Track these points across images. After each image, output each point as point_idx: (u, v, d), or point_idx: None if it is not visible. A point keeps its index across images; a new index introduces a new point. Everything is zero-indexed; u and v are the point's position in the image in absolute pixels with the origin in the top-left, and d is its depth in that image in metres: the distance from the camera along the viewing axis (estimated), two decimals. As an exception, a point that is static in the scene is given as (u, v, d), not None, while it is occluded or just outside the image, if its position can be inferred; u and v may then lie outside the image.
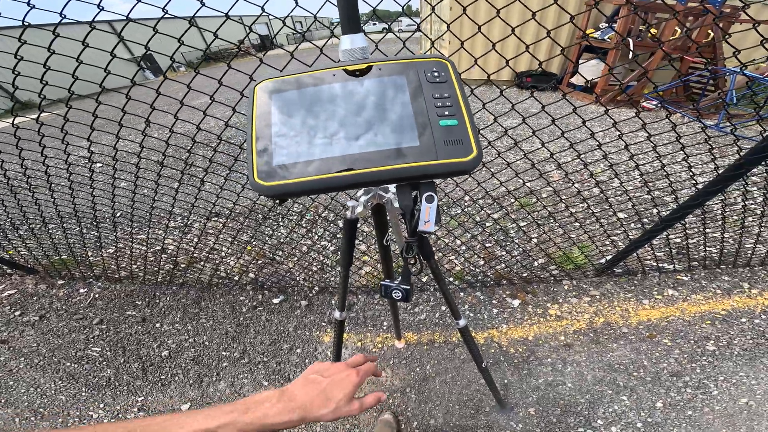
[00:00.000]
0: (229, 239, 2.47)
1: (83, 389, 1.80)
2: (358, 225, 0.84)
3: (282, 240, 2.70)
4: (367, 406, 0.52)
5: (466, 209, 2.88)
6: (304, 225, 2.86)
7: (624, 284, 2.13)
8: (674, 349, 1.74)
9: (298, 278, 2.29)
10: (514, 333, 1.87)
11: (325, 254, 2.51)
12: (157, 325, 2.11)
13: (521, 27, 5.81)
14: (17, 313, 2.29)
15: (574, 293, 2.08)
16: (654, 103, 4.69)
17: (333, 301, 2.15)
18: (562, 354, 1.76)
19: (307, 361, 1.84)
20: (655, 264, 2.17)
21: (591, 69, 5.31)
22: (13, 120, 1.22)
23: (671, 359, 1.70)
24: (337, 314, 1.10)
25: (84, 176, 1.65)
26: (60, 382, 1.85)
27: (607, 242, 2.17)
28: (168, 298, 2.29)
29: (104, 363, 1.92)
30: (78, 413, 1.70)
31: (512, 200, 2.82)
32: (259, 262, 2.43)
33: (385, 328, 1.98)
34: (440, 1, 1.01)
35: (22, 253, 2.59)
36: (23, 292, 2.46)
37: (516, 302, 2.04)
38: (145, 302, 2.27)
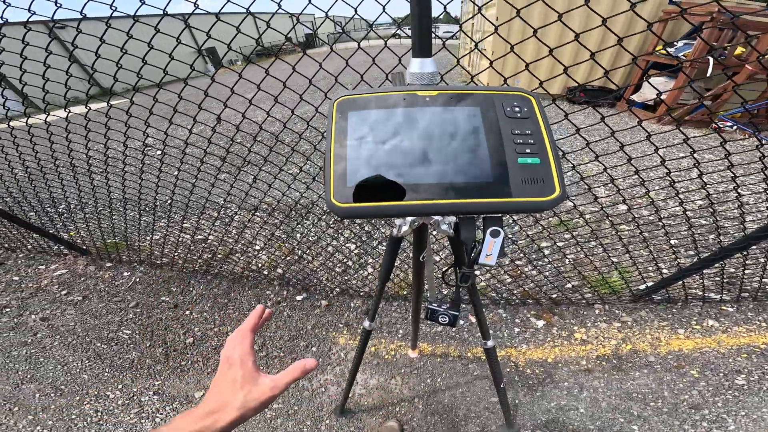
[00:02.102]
0: (266, 234, 2.60)
1: (107, 370, 1.94)
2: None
3: (311, 239, 2.79)
4: (290, 380, 0.47)
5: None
6: (332, 225, 2.94)
7: (661, 312, 1.98)
8: (700, 381, 1.62)
9: (321, 278, 2.36)
10: (533, 354, 1.80)
11: (349, 256, 2.57)
12: (187, 312, 2.25)
13: (583, 35, 5.46)
14: (63, 293, 2.52)
15: (604, 318, 1.96)
16: (728, 124, 4.35)
17: (352, 304, 2.19)
18: (581, 379, 1.67)
19: (321, 359, 1.89)
20: (700, 293, 1.99)
21: (658, 86, 4.87)
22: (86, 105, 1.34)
23: (694, 391, 1.58)
24: (366, 323, 1.13)
25: (148, 164, 1.74)
26: (87, 361, 1.99)
27: (651, 268, 2.02)
28: (201, 287, 2.44)
29: (131, 345, 2.07)
30: (96, 392, 1.81)
31: (550, 217, 2.70)
32: (288, 258, 2.54)
33: (400, 336, 1.99)
34: (487, 2, 0.96)
35: (81, 234, 2.82)
36: (74, 272, 2.71)
37: (540, 323, 1.96)
38: (180, 289, 2.44)
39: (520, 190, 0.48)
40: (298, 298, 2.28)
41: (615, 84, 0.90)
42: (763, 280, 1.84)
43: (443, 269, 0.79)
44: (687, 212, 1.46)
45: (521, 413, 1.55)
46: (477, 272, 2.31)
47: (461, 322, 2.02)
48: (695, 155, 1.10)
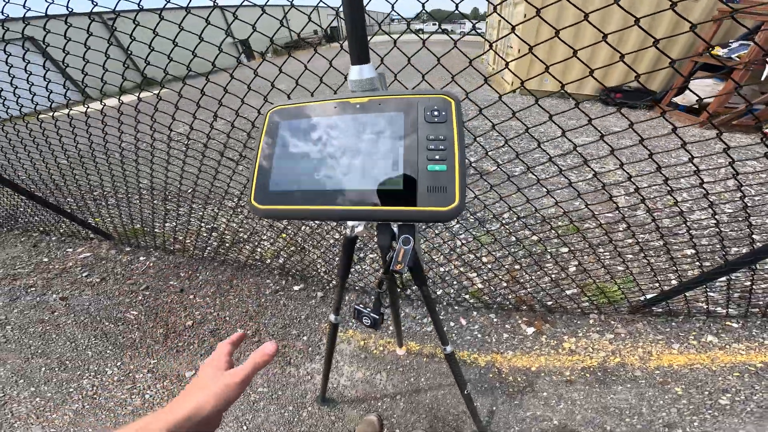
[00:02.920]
0: (271, 225, 2.66)
1: (109, 347, 2.07)
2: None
3: (312, 230, 2.85)
4: (256, 367, 0.48)
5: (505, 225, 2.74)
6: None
7: (659, 325, 1.93)
8: (682, 399, 1.58)
9: (319, 269, 2.43)
10: (518, 361, 1.81)
11: None
12: (191, 296, 2.38)
13: (620, 34, 5.00)
14: (85, 274, 2.69)
15: (597, 328, 1.93)
16: None
17: (347, 297, 2.25)
18: (561, 390, 1.67)
19: (310, 349, 1.96)
20: (705, 306, 1.91)
21: (705, 89, 4.49)
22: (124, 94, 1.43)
23: (673, 409, 1.55)
24: (332, 317, 1.15)
25: (174, 155, 1.89)
26: (94, 339, 2.13)
27: (657, 278, 1.95)
28: (207, 273, 2.56)
29: (135, 326, 2.20)
30: (96, 368, 1.95)
31: (558, 223, 2.61)
32: (291, 249, 2.61)
33: (390, 332, 2.04)
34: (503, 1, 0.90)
35: (107, 221, 3.00)
36: (97, 256, 2.89)
37: (530, 330, 1.95)
38: (188, 274, 2.57)
39: (424, 198, 0.48)
40: (296, 288, 2.36)
41: (650, 89, 0.83)
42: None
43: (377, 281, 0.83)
44: (718, 224, 1.34)
45: (496, 420, 1.58)
46: (406, 275, 2.31)
47: (463, 322, 2.05)
48: (734, 165, 1.03)
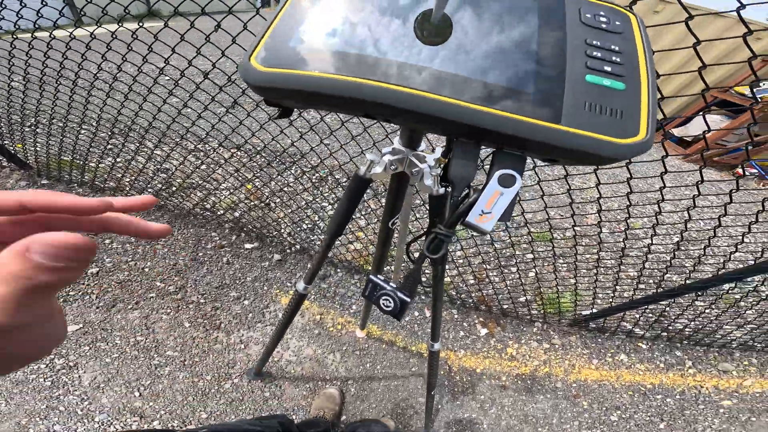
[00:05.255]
0: (237, 175, 2.24)
1: None
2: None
3: (284, 187, 2.48)
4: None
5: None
6: (313, 181, 2.60)
7: (588, 340, 2.18)
8: (585, 413, 1.84)
9: (283, 231, 2.18)
10: (467, 361, 1.95)
11: (321, 215, 2.35)
12: (107, 241, 2.03)
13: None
14: None
15: (538, 337, 2.12)
16: (754, 171, 4.34)
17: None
18: (495, 394, 1.84)
19: (250, 315, 1.83)
20: (629, 326, 2.18)
21: (710, 124, 4.45)
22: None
23: (576, 422, 1.80)
24: (300, 285, 1.00)
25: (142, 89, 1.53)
26: None
27: (602, 295, 2.13)
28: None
29: None
30: None
31: (532, 229, 2.62)
32: (252, 203, 2.26)
33: (352, 311, 2.00)
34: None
35: (30, 149, 2.36)
36: (2, 186, 2.32)
37: (484, 331, 2.07)
38: None
39: (577, 116, 0.32)
40: (248, 246, 2.12)
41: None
42: (679, 321, 2.01)
43: (409, 240, 0.67)
44: (652, 246, 1.49)
45: (439, 418, 1.73)
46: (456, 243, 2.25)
47: (427, 313, 2.07)
48: (695, 198, 1.13)
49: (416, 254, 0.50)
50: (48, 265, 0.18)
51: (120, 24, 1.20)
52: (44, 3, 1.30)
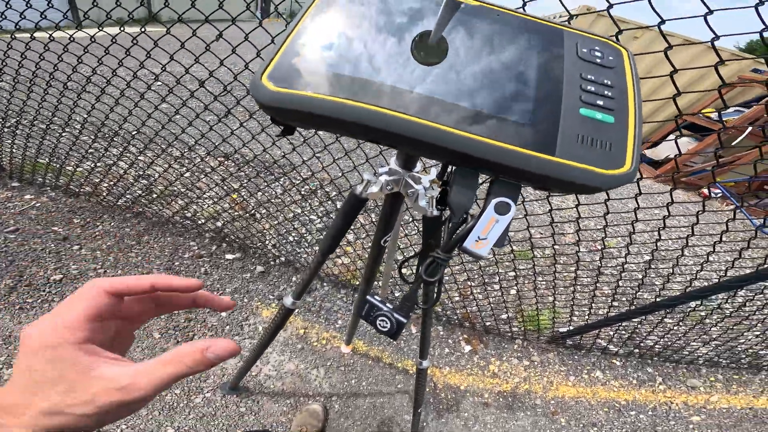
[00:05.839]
0: (221, 179, 2.21)
1: None
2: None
3: (271, 199, 2.45)
4: (174, 373, 0.26)
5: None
6: (303, 193, 2.60)
7: (565, 357, 2.24)
8: (563, 430, 1.87)
9: (267, 242, 2.14)
10: (452, 378, 1.95)
11: (308, 229, 2.34)
12: (76, 247, 1.94)
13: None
14: None
15: (518, 354, 2.16)
16: (717, 192, 4.54)
17: (294, 278, 2.07)
18: (478, 412, 1.85)
19: (227, 327, 1.77)
20: (604, 344, 2.25)
21: (679, 146, 4.82)
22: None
23: None
24: (288, 300, 0.97)
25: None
26: None
27: (578, 312, 2.19)
28: (112, 224, 2.10)
29: None
30: None
31: (516, 247, 2.70)
32: (236, 213, 2.22)
33: (338, 326, 1.97)
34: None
35: (5, 149, 2.23)
36: None
37: (467, 348, 2.09)
38: (83, 222, 2.07)
39: (571, 149, 0.34)
40: (229, 256, 2.07)
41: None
42: (649, 338, 2.09)
43: (402, 260, 0.65)
44: (626, 265, 1.59)
45: (424, 437, 1.73)
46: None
47: (413, 330, 2.06)
48: (666, 219, 1.26)
49: (407, 272, 0.52)
50: (212, 362, 0.26)
51: (122, 28, 1.19)
52: (50, 5, 1.28)
